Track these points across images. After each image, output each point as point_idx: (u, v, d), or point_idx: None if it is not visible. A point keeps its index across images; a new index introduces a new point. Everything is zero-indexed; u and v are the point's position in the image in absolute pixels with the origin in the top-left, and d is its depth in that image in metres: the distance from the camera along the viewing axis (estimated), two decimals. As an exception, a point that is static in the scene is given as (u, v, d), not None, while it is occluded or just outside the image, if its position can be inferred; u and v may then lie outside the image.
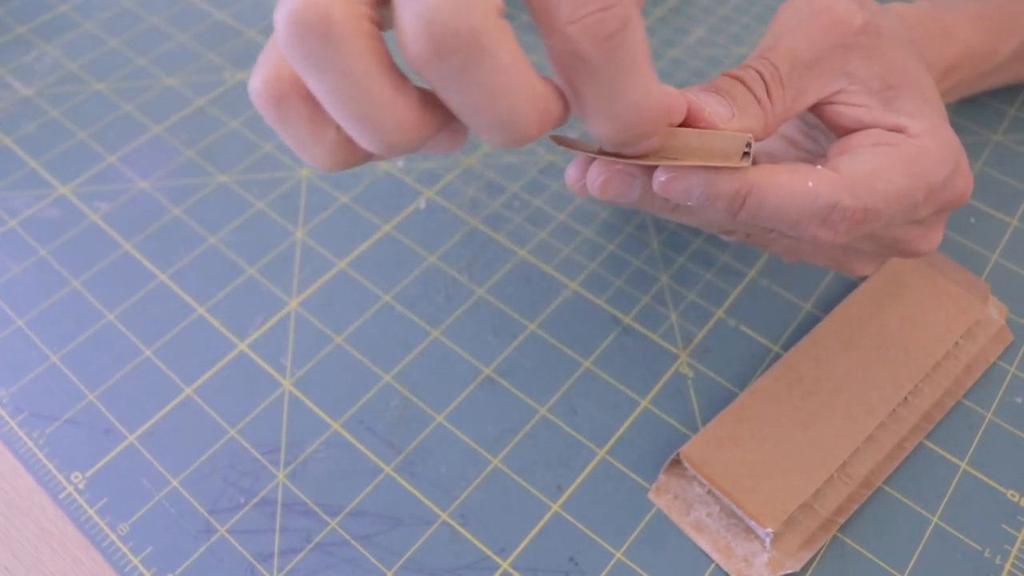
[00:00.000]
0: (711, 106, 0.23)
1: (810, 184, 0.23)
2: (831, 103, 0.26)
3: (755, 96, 0.24)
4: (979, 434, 0.31)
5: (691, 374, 0.32)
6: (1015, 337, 0.33)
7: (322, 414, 0.31)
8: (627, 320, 0.34)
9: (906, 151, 0.24)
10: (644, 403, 0.31)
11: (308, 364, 0.32)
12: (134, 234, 0.36)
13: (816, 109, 0.27)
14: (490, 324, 0.33)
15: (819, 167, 0.24)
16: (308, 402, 0.31)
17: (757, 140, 0.25)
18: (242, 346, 0.33)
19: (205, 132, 0.40)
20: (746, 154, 0.23)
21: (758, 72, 0.25)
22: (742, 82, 0.24)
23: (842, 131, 0.27)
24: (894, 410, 0.30)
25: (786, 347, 0.33)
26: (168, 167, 0.39)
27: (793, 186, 0.23)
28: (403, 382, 0.32)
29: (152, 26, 0.45)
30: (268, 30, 0.45)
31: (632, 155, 0.23)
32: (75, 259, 0.35)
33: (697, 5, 0.47)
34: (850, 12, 0.26)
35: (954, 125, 0.40)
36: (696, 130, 0.23)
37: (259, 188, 0.38)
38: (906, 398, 0.30)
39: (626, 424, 0.31)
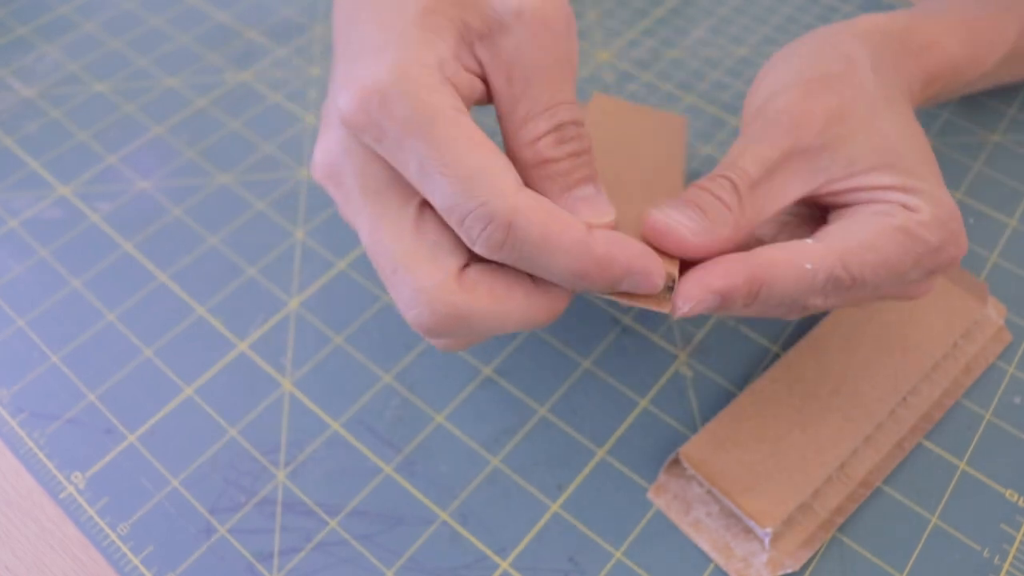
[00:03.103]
0: (677, 221, 0.24)
1: (809, 267, 0.24)
2: (819, 196, 0.27)
3: (725, 204, 0.25)
4: (978, 434, 0.31)
5: (691, 374, 0.32)
6: (1014, 337, 0.33)
7: (322, 414, 0.31)
8: (627, 320, 0.34)
9: (900, 222, 0.25)
10: (644, 403, 0.31)
11: (308, 364, 0.32)
12: (135, 234, 0.36)
13: (808, 201, 0.27)
14: (490, 324, 0.33)
15: (809, 241, 0.25)
16: (308, 402, 0.31)
17: (728, 247, 0.25)
18: (242, 346, 0.33)
19: (206, 133, 0.40)
20: (669, 288, 0.23)
21: (728, 179, 0.25)
22: (711, 192, 0.25)
23: (819, 205, 0.28)
24: (893, 410, 0.30)
25: (785, 347, 0.33)
26: (169, 168, 0.39)
27: (795, 273, 0.24)
28: (403, 382, 0.32)
29: (153, 27, 0.45)
30: (268, 31, 0.45)
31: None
32: (76, 259, 0.35)
33: (697, 6, 0.47)
34: (807, 117, 0.26)
35: (953, 125, 0.40)
36: None
37: (259, 189, 0.38)
38: (905, 398, 0.30)
39: (626, 424, 0.31)
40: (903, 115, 0.27)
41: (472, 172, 0.21)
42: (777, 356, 0.33)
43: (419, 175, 0.22)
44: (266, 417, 0.31)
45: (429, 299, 0.22)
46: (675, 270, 0.24)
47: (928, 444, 0.30)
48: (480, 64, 0.23)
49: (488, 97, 0.24)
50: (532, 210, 0.21)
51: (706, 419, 0.31)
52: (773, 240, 0.28)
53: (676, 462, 0.29)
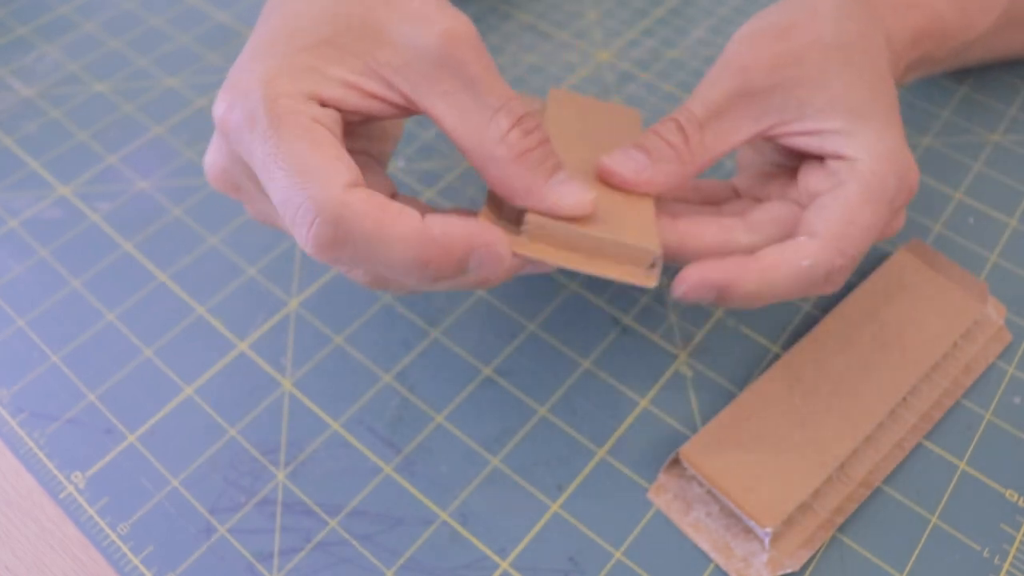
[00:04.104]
0: (620, 164, 0.27)
1: (806, 264, 0.26)
2: (775, 136, 0.29)
3: (670, 143, 0.28)
4: (978, 434, 0.31)
5: (691, 374, 0.32)
6: (1014, 337, 0.33)
7: (322, 414, 0.31)
8: (627, 320, 0.34)
9: (860, 185, 0.27)
10: (644, 403, 0.31)
11: (308, 364, 0.32)
12: (135, 234, 0.36)
13: (773, 146, 0.30)
14: (490, 324, 0.33)
15: (803, 239, 0.26)
16: (308, 402, 0.31)
17: (678, 181, 0.28)
18: (242, 346, 0.33)
19: (206, 133, 0.40)
20: (653, 266, 0.26)
21: (674, 121, 0.28)
22: (658, 134, 0.28)
23: (793, 154, 0.30)
24: (893, 410, 0.30)
25: (785, 347, 0.33)
26: (169, 167, 0.39)
27: (795, 272, 0.26)
28: (403, 382, 0.32)
29: (153, 27, 0.45)
30: (268, 31, 0.45)
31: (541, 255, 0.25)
32: (76, 259, 0.35)
33: (697, 6, 0.47)
34: (753, 58, 0.28)
35: (953, 125, 0.40)
36: (609, 238, 0.25)
37: (259, 188, 0.38)
38: (905, 398, 0.30)
39: (626, 424, 0.31)
40: (863, 64, 0.28)
41: (307, 168, 0.22)
42: (777, 356, 0.33)
43: (261, 172, 0.23)
44: (266, 417, 0.31)
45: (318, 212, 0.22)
46: (658, 248, 0.25)
47: (928, 444, 0.30)
48: (400, 92, 0.25)
49: (393, 112, 0.25)
50: (363, 202, 0.22)
51: (706, 419, 0.31)
52: (751, 189, 0.31)
53: (676, 462, 0.29)
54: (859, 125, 0.27)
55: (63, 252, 0.35)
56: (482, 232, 0.23)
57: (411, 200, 0.27)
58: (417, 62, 0.24)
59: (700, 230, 0.28)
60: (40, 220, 0.37)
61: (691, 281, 0.26)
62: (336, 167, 0.22)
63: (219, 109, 0.24)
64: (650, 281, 0.25)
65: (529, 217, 0.24)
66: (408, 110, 0.25)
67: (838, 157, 0.28)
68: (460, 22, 0.24)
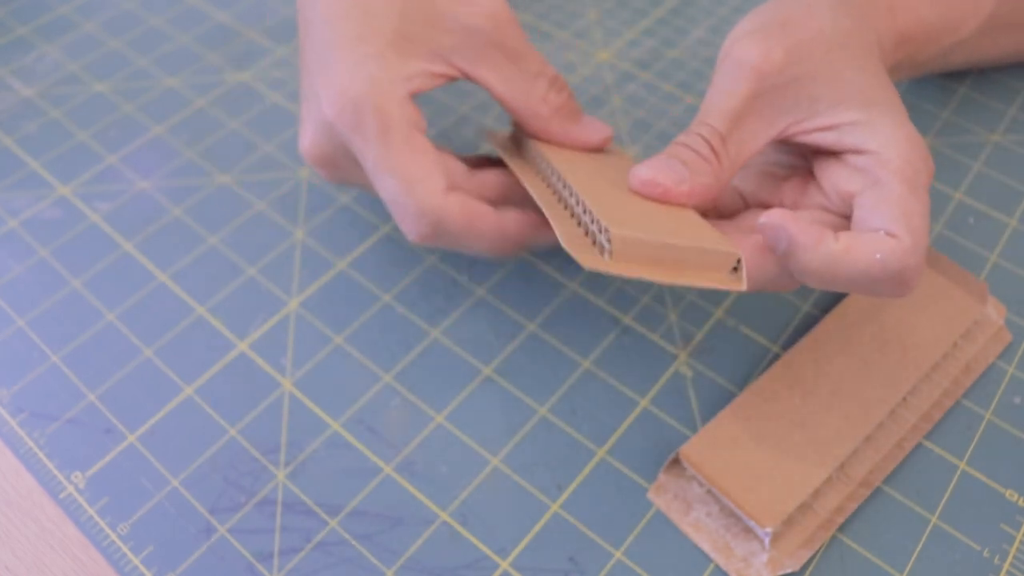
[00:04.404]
0: (664, 173, 0.28)
1: (878, 257, 0.25)
2: (790, 136, 0.29)
3: (702, 156, 0.28)
4: (978, 434, 0.31)
5: (691, 374, 0.32)
6: (1014, 337, 0.33)
7: (322, 414, 0.31)
8: (627, 320, 0.34)
9: (899, 178, 0.26)
10: (644, 403, 0.31)
11: (308, 364, 0.32)
12: (134, 234, 0.36)
13: (777, 145, 0.30)
14: (490, 324, 0.33)
15: (881, 233, 0.26)
16: (308, 402, 0.31)
17: (712, 194, 0.28)
18: (242, 346, 0.33)
19: (205, 133, 0.40)
20: (735, 270, 0.26)
21: (700, 136, 0.28)
22: (689, 147, 0.28)
23: (811, 151, 0.30)
24: (893, 410, 0.30)
25: (785, 347, 0.33)
26: (168, 167, 0.39)
27: (865, 263, 0.25)
28: (403, 382, 0.32)
29: (153, 27, 0.45)
30: (268, 31, 0.45)
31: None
32: (76, 259, 0.35)
33: (697, 6, 0.47)
34: (765, 58, 0.28)
35: (953, 125, 0.40)
36: (692, 246, 0.25)
37: (259, 188, 0.38)
38: (905, 398, 0.30)
39: (626, 424, 0.31)
40: (863, 57, 0.28)
41: (412, 177, 0.27)
42: (777, 356, 0.33)
43: (372, 171, 0.28)
44: (266, 417, 0.31)
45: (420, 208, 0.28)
46: (738, 250, 0.25)
47: (928, 444, 0.30)
48: (458, 68, 0.30)
49: (448, 82, 0.31)
50: (458, 206, 0.28)
51: (706, 419, 0.31)
52: (758, 194, 0.31)
53: (676, 462, 0.29)
54: (875, 115, 0.27)
55: (63, 252, 0.35)
56: (538, 225, 0.29)
57: (446, 153, 0.30)
58: (471, 42, 0.29)
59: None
60: (40, 220, 0.37)
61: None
62: (436, 175, 0.28)
63: (329, 111, 0.28)
64: (740, 284, 0.25)
65: (613, 235, 0.24)
66: (459, 78, 0.31)
67: (858, 151, 0.27)
68: (500, 5, 0.29)
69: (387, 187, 0.27)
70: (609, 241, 0.24)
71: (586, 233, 0.26)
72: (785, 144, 0.31)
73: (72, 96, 0.42)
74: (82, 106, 0.41)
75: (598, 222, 0.25)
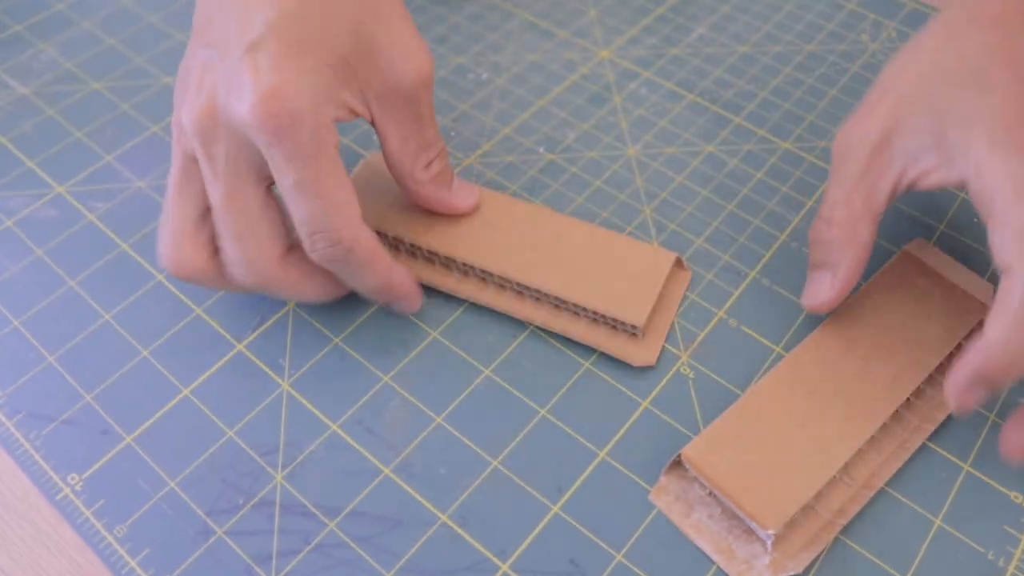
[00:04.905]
0: (813, 298, 0.31)
1: (1015, 304, 0.25)
2: (904, 185, 0.30)
3: (836, 242, 0.30)
4: (982, 435, 0.30)
5: (692, 375, 0.32)
6: (1018, 337, 0.33)
7: (321, 415, 0.31)
8: (628, 320, 0.33)
9: (1011, 190, 0.26)
10: (645, 404, 0.31)
11: (307, 364, 0.32)
12: (132, 234, 0.36)
13: (899, 190, 0.30)
14: (490, 324, 0.33)
15: (1003, 280, 0.25)
16: (307, 403, 0.31)
17: (865, 257, 0.30)
18: (240, 347, 0.32)
19: (203, 131, 0.40)
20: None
21: (826, 219, 0.30)
22: (827, 242, 0.30)
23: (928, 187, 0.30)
24: (896, 411, 0.30)
25: (788, 348, 0.33)
26: (166, 166, 0.38)
27: (1014, 317, 0.25)
28: (402, 382, 0.32)
29: (150, 25, 0.45)
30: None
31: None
32: (72, 259, 0.35)
33: (698, 3, 0.47)
34: (859, 134, 0.30)
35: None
36: (662, 280, 0.33)
37: (257, 187, 0.38)
38: (908, 399, 0.30)
39: (627, 425, 0.31)
40: (968, 91, 0.28)
41: (335, 204, 0.28)
42: (779, 357, 0.32)
43: (293, 188, 0.27)
44: (264, 418, 0.31)
45: (257, 268, 0.29)
46: (673, 255, 0.33)
47: (932, 445, 0.30)
48: (371, 113, 0.30)
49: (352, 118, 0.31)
50: (367, 239, 0.29)
51: (708, 420, 0.31)
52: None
53: (677, 463, 0.29)
54: (985, 145, 0.27)
55: (59, 252, 0.35)
56: (410, 288, 0.32)
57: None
58: (394, 94, 0.30)
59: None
60: (36, 219, 0.36)
61: (955, 388, 0.26)
62: (354, 205, 0.28)
63: (256, 112, 0.26)
64: (687, 273, 0.34)
65: (638, 327, 0.31)
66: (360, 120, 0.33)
67: (964, 184, 0.27)
68: (429, 61, 0.30)
69: (309, 208, 0.27)
70: (635, 326, 0.31)
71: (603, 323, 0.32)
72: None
73: (68, 94, 0.41)
74: (78, 104, 0.41)
75: (614, 320, 0.32)
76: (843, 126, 0.31)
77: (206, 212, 0.29)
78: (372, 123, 0.31)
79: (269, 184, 0.29)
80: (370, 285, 0.30)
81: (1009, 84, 0.27)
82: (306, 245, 0.29)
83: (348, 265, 0.29)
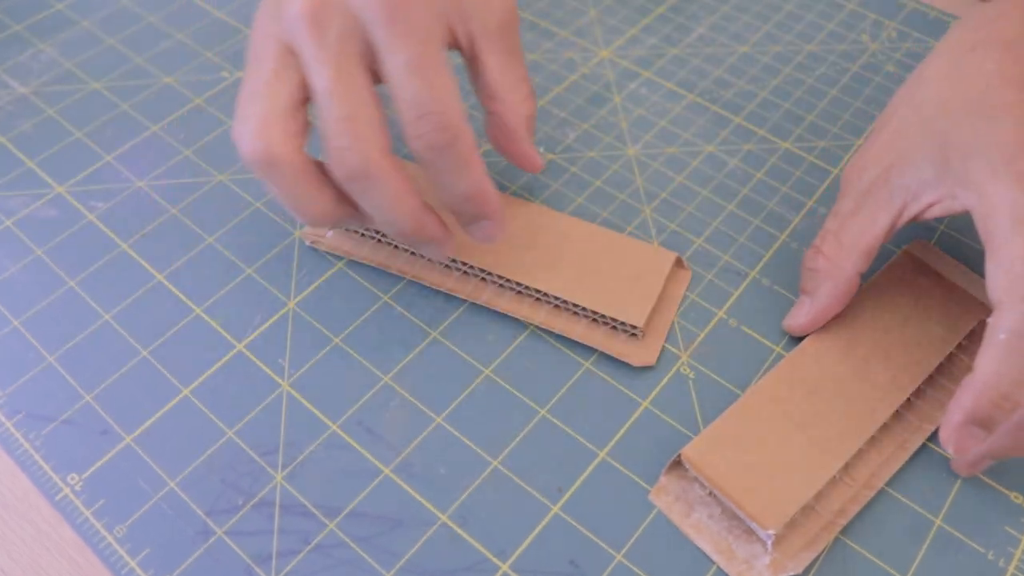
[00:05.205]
0: (794, 319, 0.32)
1: (1002, 337, 0.25)
2: (906, 219, 0.30)
3: (821, 271, 0.31)
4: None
5: (692, 375, 0.32)
6: (1018, 337, 0.33)
7: (320, 415, 0.31)
8: (628, 320, 0.33)
9: (1005, 215, 0.26)
10: (645, 404, 0.31)
11: (307, 365, 0.32)
12: (131, 234, 0.36)
13: (900, 224, 0.30)
14: (490, 324, 0.33)
15: (989, 320, 0.26)
16: (306, 403, 0.31)
17: (846, 290, 0.31)
18: (240, 347, 0.32)
19: (203, 131, 0.40)
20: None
21: (816, 248, 0.31)
22: (813, 270, 0.31)
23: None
24: (896, 411, 0.30)
25: (788, 348, 0.33)
26: (166, 166, 0.38)
27: (1000, 353, 0.25)
28: (402, 382, 0.32)
29: (150, 24, 0.45)
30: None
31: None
32: (72, 259, 0.35)
33: (698, 3, 0.47)
34: (859, 168, 0.31)
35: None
36: (663, 279, 0.33)
37: (258, 188, 0.38)
38: (909, 399, 0.30)
39: (627, 425, 0.31)
40: (959, 120, 0.29)
41: (447, 87, 0.27)
42: (779, 357, 0.32)
43: (404, 66, 0.27)
44: (264, 418, 0.31)
45: (365, 151, 0.27)
46: (673, 254, 0.33)
47: (932, 446, 0.30)
48: (469, 38, 0.31)
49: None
50: (471, 136, 0.27)
51: (708, 420, 0.31)
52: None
53: (677, 463, 0.29)
54: (980, 176, 0.27)
55: (59, 252, 0.35)
56: (498, 210, 0.30)
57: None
58: (490, 21, 0.31)
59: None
60: (35, 219, 0.36)
61: (950, 432, 0.26)
62: (460, 99, 0.27)
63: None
64: (687, 272, 0.34)
65: (638, 328, 0.32)
66: (459, 51, 0.32)
67: (968, 212, 0.27)
68: (515, 7, 0.32)
69: (419, 87, 0.26)
70: (635, 327, 0.32)
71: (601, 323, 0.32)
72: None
73: (68, 94, 0.41)
74: (78, 104, 0.41)
75: (614, 321, 0.32)
76: (849, 159, 0.31)
77: (300, 104, 0.28)
78: (468, 58, 0.31)
79: (374, 75, 0.28)
80: (468, 187, 0.28)
81: (1014, 108, 0.28)
82: (410, 131, 0.27)
83: (450, 156, 0.27)
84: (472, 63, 0.31)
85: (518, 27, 0.32)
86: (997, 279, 0.26)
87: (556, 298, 0.32)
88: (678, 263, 0.34)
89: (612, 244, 0.33)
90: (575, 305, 0.32)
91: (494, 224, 0.30)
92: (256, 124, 0.27)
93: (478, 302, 0.33)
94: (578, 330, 0.32)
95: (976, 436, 0.26)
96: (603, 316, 0.32)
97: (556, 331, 0.32)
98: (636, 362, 0.31)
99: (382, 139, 0.27)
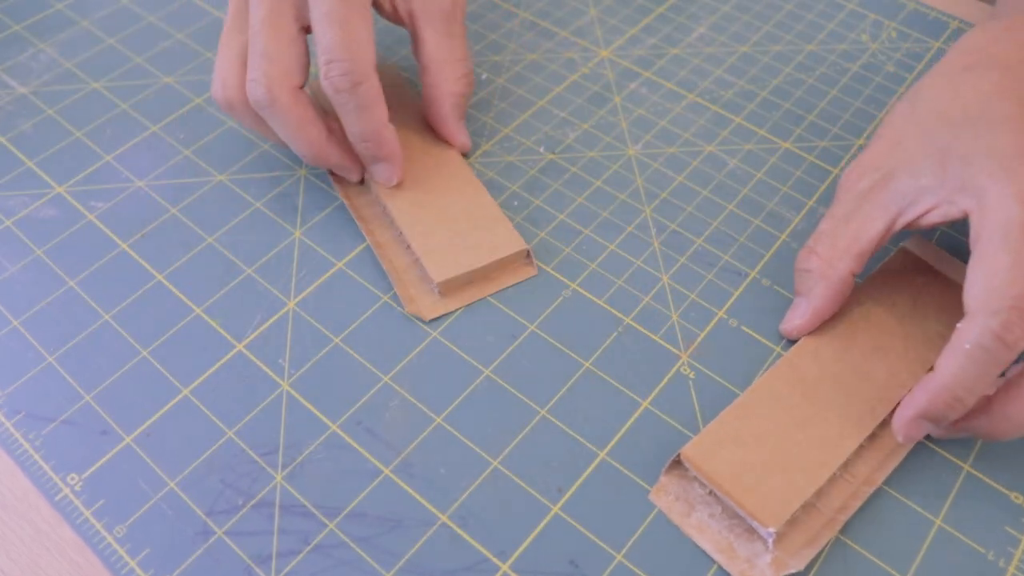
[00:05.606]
0: (789, 321, 0.32)
1: (967, 347, 0.26)
2: (901, 225, 0.30)
3: (815, 272, 0.31)
4: (982, 435, 0.30)
5: (692, 375, 0.32)
6: (1018, 337, 0.33)
7: (320, 415, 0.31)
8: (627, 320, 0.33)
9: (993, 231, 0.26)
10: (645, 404, 0.31)
11: (306, 365, 0.32)
12: (131, 234, 0.36)
13: (895, 230, 0.30)
14: (490, 324, 0.33)
15: (960, 322, 0.26)
16: (306, 403, 0.31)
17: (834, 301, 0.31)
18: (240, 347, 0.32)
19: (203, 131, 0.40)
20: (527, 257, 0.35)
21: (810, 249, 0.32)
22: (807, 271, 0.32)
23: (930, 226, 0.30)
24: (896, 408, 0.30)
25: (788, 348, 0.33)
26: (165, 166, 0.38)
27: (963, 361, 0.26)
28: (402, 382, 0.32)
29: (149, 24, 0.45)
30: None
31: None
32: (72, 259, 0.35)
33: (698, 3, 0.47)
34: (857, 173, 0.32)
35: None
36: (495, 260, 0.34)
37: (257, 187, 0.38)
38: (908, 398, 0.30)
39: (627, 425, 0.31)
40: (956, 128, 0.29)
41: (356, 39, 0.31)
42: (779, 356, 0.32)
43: (323, 16, 0.31)
44: (264, 418, 0.31)
45: (272, 88, 0.32)
46: (526, 246, 0.34)
47: (932, 445, 0.30)
48: (409, 15, 0.36)
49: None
50: (374, 85, 0.32)
51: (708, 419, 0.31)
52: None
53: (678, 463, 0.29)
54: (975, 182, 0.28)
55: (58, 252, 0.35)
56: (398, 153, 0.35)
57: None
58: (432, 6, 0.35)
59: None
60: (35, 219, 0.36)
61: (902, 423, 0.28)
62: (372, 51, 0.32)
63: None
64: (532, 270, 0.35)
65: (438, 283, 0.33)
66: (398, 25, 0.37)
67: (966, 216, 0.28)
68: None
69: (331, 36, 0.31)
70: (437, 287, 0.33)
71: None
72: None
73: (67, 94, 0.41)
74: (78, 104, 0.41)
75: (424, 270, 0.33)
76: (847, 164, 0.32)
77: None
78: (411, 33, 0.36)
79: (303, 27, 0.33)
80: (364, 128, 0.33)
81: (1013, 120, 0.28)
82: (322, 73, 0.31)
83: (352, 100, 0.31)
84: (413, 39, 0.35)
85: (463, 12, 0.36)
86: (975, 287, 0.26)
87: (399, 228, 0.34)
88: (526, 257, 0.35)
89: (484, 212, 0.35)
90: (408, 239, 0.34)
91: (390, 167, 0.34)
92: (217, 74, 0.33)
93: (352, 211, 0.36)
94: (399, 262, 0.34)
95: (924, 427, 0.28)
96: (419, 260, 0.33)
97: (379, 257, 0.34)
98: (410, 309, 0.33)
99: (291, 77, 0.32)
